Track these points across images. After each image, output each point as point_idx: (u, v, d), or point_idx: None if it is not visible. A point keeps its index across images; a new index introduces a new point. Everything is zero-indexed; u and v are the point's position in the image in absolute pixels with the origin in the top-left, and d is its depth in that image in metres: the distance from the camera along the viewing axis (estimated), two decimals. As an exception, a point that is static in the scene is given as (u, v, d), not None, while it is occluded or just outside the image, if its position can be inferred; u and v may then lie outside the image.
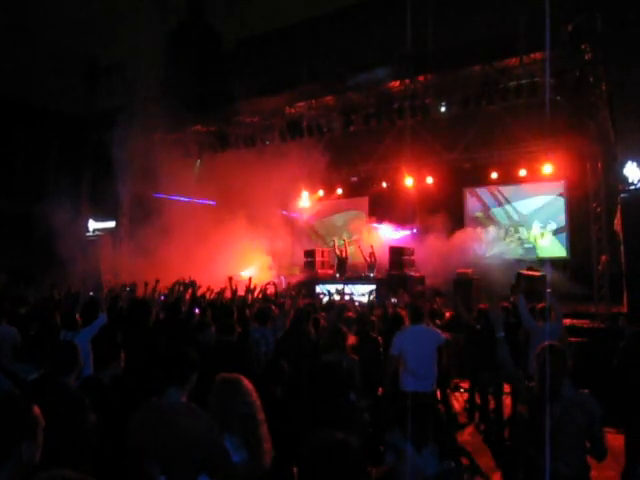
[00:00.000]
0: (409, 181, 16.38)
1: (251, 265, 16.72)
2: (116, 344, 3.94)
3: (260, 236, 17.84)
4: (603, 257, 10.59)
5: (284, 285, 14.43)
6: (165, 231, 14.16)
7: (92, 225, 17.02)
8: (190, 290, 7.65)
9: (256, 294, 8.16)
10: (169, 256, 14.03)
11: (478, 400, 7.50)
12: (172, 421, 2.60)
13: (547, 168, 14.74)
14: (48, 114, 13.04)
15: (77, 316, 5.05)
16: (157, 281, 7.53)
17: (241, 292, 8.12)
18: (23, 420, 1.88)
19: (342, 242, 15.44)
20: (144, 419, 2.68)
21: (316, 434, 1.74)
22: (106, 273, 16.08)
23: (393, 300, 8.99)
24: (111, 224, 16.61)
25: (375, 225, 17.25)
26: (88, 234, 16.98)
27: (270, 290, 9.16)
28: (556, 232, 15.30)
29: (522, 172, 15.17)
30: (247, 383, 2.84)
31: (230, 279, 8.28)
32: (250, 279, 8.47)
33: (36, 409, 1.93)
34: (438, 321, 7.19)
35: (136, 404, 2.79)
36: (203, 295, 8.31)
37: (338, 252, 15.30)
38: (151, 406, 2.75)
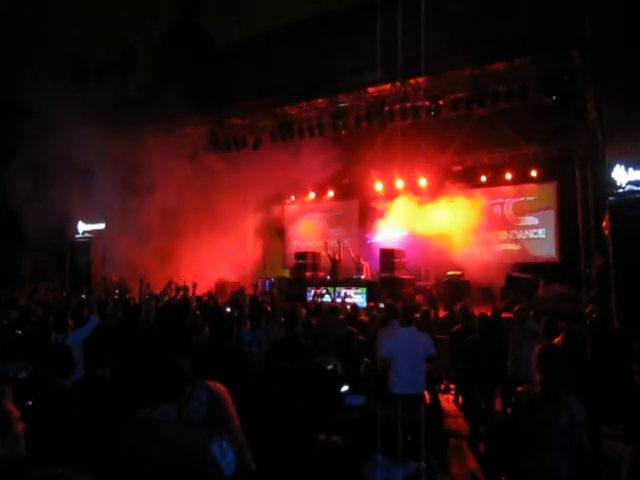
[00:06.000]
0: (400, 183, 16.44)
1: (241, 266, 16.70)
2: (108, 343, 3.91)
3: (251, 237, 17.83)
4: (598, 261, 10.65)
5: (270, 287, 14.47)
6: (154, 233, 14.10)
7: (82, 227, 16.89)
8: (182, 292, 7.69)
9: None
10: (159, 258, 13.97)
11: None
12: (166, 437, 2.58)
13: (536, 171, 14.88)
14: (35, 114, 12.92)
15: (68, 319, 5.02)
16: (142, 282, 7.60)
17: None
18: None
19: (336, 244, 15.43)
20: (136, 431, 2.65)
21: (306, 439, 1.74)
22: (96, 275, 16.02)
23: (381, 305, 8.97)
24: (101, 226, 16.49)
25: (366, 228, 17.29)
26: (77, 236, 16.85)
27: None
28: (545, 234, 15.40)
29: (512, 175, 15.29)
30: (222, 388, 2.81)
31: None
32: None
33: (7, 403, 1.91)
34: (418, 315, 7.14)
35: (124, 410, 2.77)
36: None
37: (331, 254, 15.29)
38: (144, 419, 2.70)
